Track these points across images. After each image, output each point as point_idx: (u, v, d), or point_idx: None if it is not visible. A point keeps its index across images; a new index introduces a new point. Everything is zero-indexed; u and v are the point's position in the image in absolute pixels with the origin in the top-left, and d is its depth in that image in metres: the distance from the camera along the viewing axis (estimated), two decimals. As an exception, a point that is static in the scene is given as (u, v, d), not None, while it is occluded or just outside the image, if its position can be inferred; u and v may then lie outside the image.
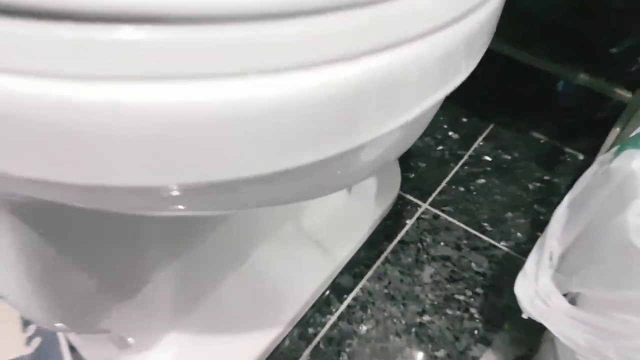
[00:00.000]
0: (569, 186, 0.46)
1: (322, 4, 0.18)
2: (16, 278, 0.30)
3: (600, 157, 0.43)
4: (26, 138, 0.18)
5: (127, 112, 0.17)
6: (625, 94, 0.67)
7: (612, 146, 0.50)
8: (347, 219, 0.65)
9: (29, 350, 0.51)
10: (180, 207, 0.24)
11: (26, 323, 0.53)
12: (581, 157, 0.77)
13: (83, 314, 0.37)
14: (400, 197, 0.70)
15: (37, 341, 0.52)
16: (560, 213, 0.45)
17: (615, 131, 0.64)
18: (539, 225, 0.67)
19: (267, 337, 0.53)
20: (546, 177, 0.73)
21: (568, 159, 0.76)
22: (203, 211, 0.32)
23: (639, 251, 0.34)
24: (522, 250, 0.64)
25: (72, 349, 0.51)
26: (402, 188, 0.71)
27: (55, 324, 0.35)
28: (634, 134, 0.41)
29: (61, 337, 0.51)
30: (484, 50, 0.27)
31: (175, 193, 0.21)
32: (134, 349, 0.46)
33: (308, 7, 0.18)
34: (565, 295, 0.43)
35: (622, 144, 0.40)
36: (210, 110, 0.18)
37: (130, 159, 0.19)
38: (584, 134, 0.76)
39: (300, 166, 0.23)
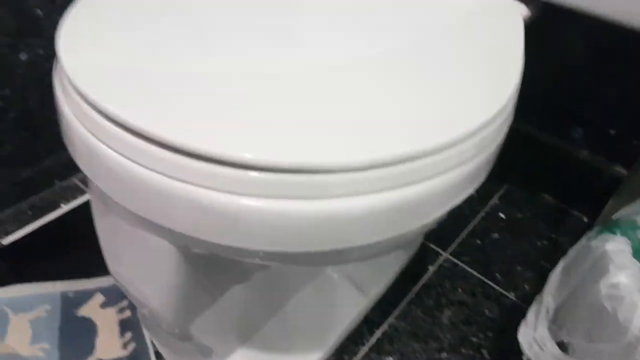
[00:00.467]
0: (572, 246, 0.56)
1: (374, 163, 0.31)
2: (167, 294, 0.43)
3: (587, 234, 0.54)
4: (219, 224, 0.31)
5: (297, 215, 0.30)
6: (621, 171, 0.78)
7: (599, 222, 0.61)
8: (378, 263, 0.77)
9: (125, 353, 0.64)
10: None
11: (123, 330, 0.66)
12: (585, 219, 0.88)
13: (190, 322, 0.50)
14: (424, 245, 0.82)
15: (131, 346, 0.64)
16: (556, 275, 0.57)
17: (613, 202, 0.75)
18: (543, 279, 0.77)
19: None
20: (552, 236, 0.84)
21: (573, 221, 0.87)
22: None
23: (609, 313, 0.45)
24: (528, 301, 0.75)
25: (158, 355, 0.64)
26: (426, 237, 0.82)
27: (176, 330, 0.48)
28: (613, 218, 0.53)
29: (150, 344, 0.64)
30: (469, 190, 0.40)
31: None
32: (213, 358, 0.59)
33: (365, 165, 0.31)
34: (560, 342, 0.54)
35: (603, 225, 0.52)
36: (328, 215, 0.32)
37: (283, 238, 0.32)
38: (587, 200, 0.87)
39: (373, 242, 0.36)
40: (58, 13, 0.70)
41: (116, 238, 0.47)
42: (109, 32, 0.40)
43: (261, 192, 0.32)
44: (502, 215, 0.87)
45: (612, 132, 0.78)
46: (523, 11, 0.60)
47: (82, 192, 0.86)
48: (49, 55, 0.74)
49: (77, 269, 0.74)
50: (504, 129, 0.39)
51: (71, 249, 0.78)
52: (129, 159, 0.34)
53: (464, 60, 0.41)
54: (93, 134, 0.35)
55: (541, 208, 0.89)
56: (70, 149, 0.40)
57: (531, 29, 0.53)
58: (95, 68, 0.36)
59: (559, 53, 0.78)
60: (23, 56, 0.71)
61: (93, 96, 0.34)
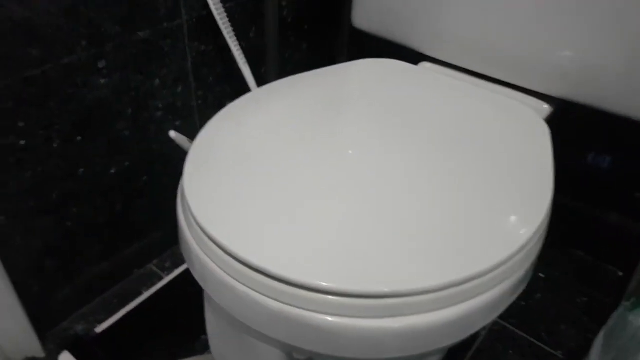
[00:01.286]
0: (611, 301, 0.62)
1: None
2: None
3: (624, 304, 0.61)
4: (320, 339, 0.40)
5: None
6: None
7: (634, 280, 0.68)
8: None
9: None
10: None
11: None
12: (620, 273, 0.94)
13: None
14: (472, 309, 0.89)
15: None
16: (599, 341, 0.64)
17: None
18: (585, 336, 0.84)
19: None
20: (590, 292, 0.91)
21: (608, 275, 0.94)
22: None
23: (648, 381, 0.52)
24: (573, 358, 0.81)
25: None
26: (473, 301, 0.90)
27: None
28: (646, 291, 0.60)
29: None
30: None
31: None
32: None
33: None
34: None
35: (637, 298, 0.59)
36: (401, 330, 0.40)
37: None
38: (620, 256, 0.94)
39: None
40: (140, 132, 0.82)
41: (223, 332, 0.56)
42: (224, 174, 0.50)
43: (346, 313, 0.40)
44: (541, 275, 0.94)
45: (637, 195, 0.86)
46: (545, 108, 0.70)
47: (160, 278, 0.96)
48: (133, 167, 0.86)
49: (164, 350, 0.84)
50: (545, 232, 0.48)
51: (156, 332, 0.87)
52: (238, 281, 0.43)
53: (504, 177, 0.51)
54: (210, 258, 0.44)
55: (577, 264, 0.96)
56: (188, 263, 0.49)
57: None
58: (214, 206, 0.46)
59: (584, 128, 0.87)
60: (112, 170, 0.83)
61: (212, 232, 0.44)
